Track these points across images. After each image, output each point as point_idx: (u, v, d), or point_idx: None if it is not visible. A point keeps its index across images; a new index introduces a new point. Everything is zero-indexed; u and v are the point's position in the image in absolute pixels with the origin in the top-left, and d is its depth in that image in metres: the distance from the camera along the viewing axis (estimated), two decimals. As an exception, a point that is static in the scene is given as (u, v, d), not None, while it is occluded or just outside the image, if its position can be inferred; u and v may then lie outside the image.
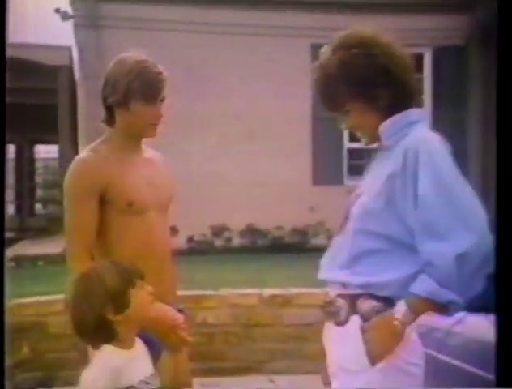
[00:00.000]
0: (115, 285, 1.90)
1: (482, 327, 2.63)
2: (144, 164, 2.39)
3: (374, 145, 1.97)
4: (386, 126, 1.86)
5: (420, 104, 1.96)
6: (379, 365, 1.76)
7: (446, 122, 9.39)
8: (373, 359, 1.75)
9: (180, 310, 2.32)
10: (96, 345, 1.92)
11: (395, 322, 1.73)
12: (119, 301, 1.89)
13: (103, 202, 2.29)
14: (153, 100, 2.29)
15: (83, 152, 2.36)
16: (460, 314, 2.74)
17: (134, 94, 2.26)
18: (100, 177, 2.27)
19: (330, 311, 1.84)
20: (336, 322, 1.83)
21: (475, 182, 8.17)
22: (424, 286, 1.73)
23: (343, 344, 1.81)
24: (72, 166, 2.34)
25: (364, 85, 1.82)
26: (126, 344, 1.92)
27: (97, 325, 1.88)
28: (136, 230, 2.30)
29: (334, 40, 1.89)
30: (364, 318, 1.79)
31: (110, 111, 2.34)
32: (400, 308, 1.74)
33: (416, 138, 1.81)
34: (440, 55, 9.30)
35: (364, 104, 1.85)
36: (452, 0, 9.14)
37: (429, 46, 9.22)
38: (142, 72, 2.27)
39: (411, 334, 1.82)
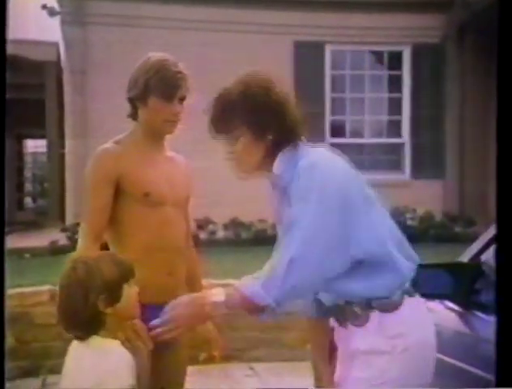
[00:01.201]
0: (112, 277, 1.91)
1: (439, 311, 2.78)
2: (164, 161, 2.44)
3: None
4: (279, 166, 1.98)
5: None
6: (400, 348, 1.88)
7: (425, 118, 9.54)
8: (172, 329, 1.86)
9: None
10: (83, 336, 1.92)
11: (206, 307, 1.84)
12: (113, 293, 1.90)
13: (120, 192, 2.33)
14: (170, 97, 2.34)
15: (106, 143, 2.42)
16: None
17: (152, 90, 2.33)
18: (116, 166, 2.32)
19: (350, 317, 1.94)
20: (357, 324, 1.93)
21: (453, 174, 8.39)
22: (250, 285, 1.83)
23: (363, 329, 1.93)
24: (93, 155, 2.42)
25: (259, 115, 1.98)
26: (112, 337, 1.93)
27: (89, 314, 1.88)
28: (151, 222, 2.34)
29: (241, 74, 2.07)
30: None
31: (134, 106, 2.41)
32: (218, 296, 1.85)
33: (302, 162, 1.94)
34: (418, 53, 9.41)
35: (255, 133, 1.98)
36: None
37: (408, 44, 9.35)
38: (161, 70, 2.34)
39: (427, 316, 1.99)
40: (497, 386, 1.79)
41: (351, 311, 1.93)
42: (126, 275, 1.96)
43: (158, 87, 2.33)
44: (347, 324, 1.96)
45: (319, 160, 1.93)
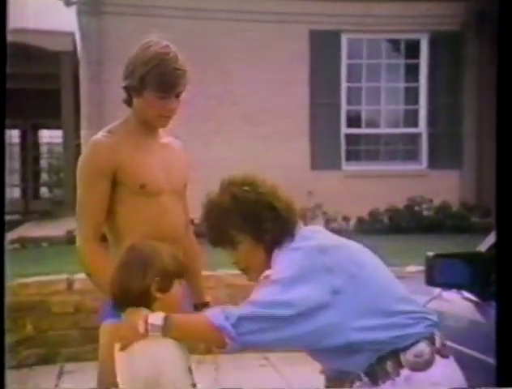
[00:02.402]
0: (170, 265, 2.01)
1: (456, 302, 2.77)
2: (160, 149, 2.38)
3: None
4: (275, 262, 2.01)
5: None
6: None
7: (442, 108, 9.46)
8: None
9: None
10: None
11: (140, 325, 1.88)
12: (166, 280, 1.99)
13: (116, 183, 2.28)
14: (166, 93, 2.26)
15: (100, 133, 2.35)
16: (436, 291, 2.88)
17: (148, 84, 2.25)
18: (111, 158, 2.26)
19: (381, 375, 1.93)
20: (424, 368, 1.91)
21: (470, 164, 8.33)
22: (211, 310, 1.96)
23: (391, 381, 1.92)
24: (86, 147, 2.35)
25: (253, 219, 2.00)
26: None
27: (141, 291, 1.95)
28: (149, 213, 2.29)
29: (224, 180, 2.07)
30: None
31: (129, 94, 2.34)
32: (157, 319, 1.90)
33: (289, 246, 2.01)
34: (436, 41, 9.32)
35: (253, 237, 2.02)
36: (447, -14, 9.17)
37: (426, 32, 9.25)
38: (160, 65, 2.23)
39: (458, 375, 1.95)
40: (497, 374, 1.79)
41: (382, 369, 1.91)
42: (181, 271, 2.05)
43: (154, 83, 2.24)
44: (377, 382, 1.93)
45: (301, 246, 1.97)
